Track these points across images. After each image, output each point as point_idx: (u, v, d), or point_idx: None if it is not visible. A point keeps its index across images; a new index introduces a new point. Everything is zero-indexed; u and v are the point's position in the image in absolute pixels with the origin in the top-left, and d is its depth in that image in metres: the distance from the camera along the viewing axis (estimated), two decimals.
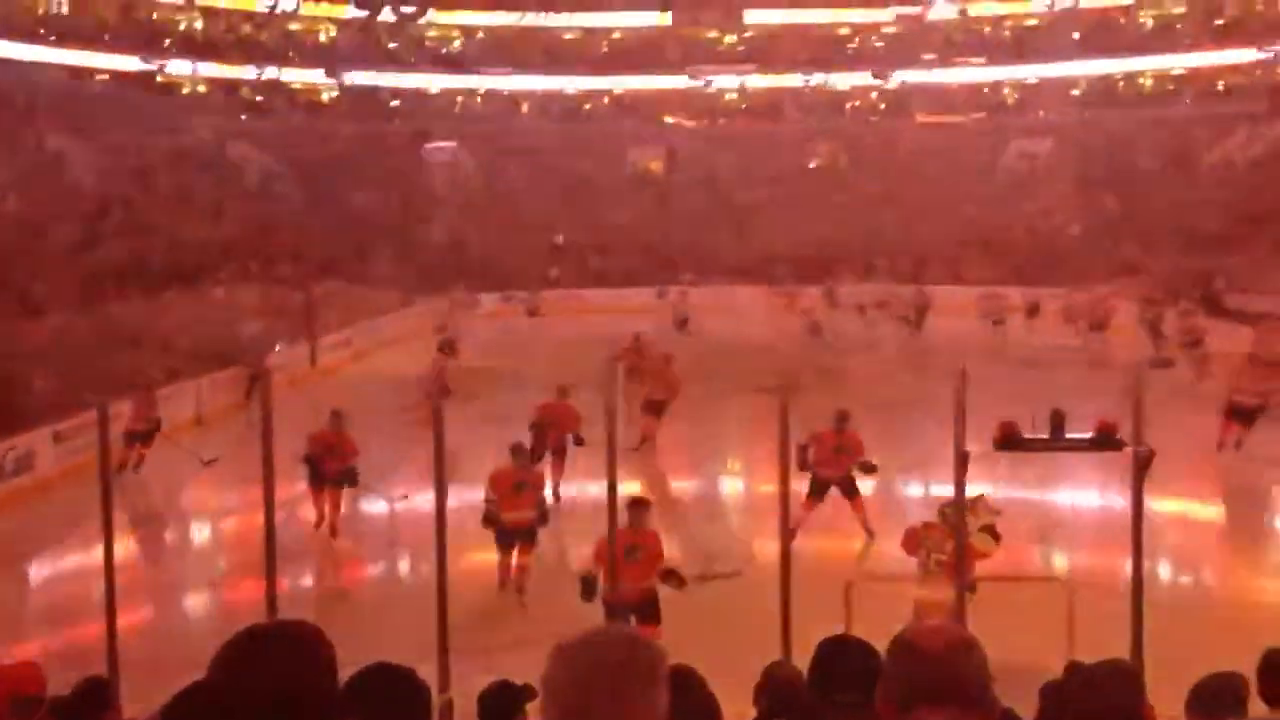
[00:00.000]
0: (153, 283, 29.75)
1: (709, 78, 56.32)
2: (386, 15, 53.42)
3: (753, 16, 56.56)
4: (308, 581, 13.90)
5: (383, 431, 17.74)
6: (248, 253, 36.25)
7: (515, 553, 12.39)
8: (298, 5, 52.59)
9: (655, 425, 19.33)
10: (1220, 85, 51.03)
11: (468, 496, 12.66)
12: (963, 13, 54.27)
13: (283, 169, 47.33)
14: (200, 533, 17.27)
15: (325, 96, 55.06)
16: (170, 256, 32.74)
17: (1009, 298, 35.75)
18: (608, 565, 8.40)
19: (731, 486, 19.31)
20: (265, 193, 45.65)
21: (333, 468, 14.53)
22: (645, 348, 23.20)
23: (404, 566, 14.58)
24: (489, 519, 12.35)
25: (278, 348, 27.26)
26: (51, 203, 32.62)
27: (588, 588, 9.82)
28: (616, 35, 57.35)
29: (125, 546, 13.14)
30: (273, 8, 52.26)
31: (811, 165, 53.38)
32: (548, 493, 14.22)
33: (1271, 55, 49.06)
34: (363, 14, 53.84)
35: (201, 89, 52.46)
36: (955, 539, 8.59)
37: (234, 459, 16.01)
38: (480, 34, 56.87)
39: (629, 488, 11.70)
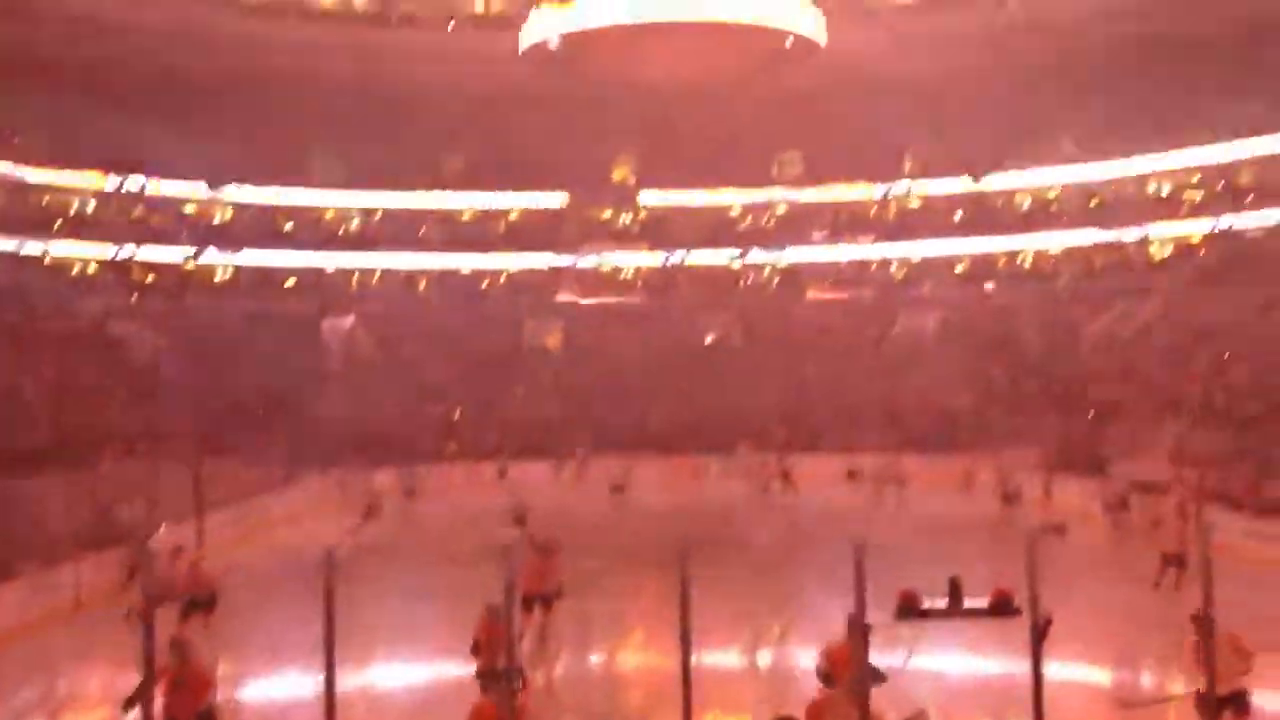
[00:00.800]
0: (34, 464, 28.92)
1: (604, 256, 57.22)
2: None
3: (647, 197, 57.79)
4: None
5: (268, 612, 17.22)
6: (135, 433, 35.51)
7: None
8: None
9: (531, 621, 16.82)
10: (1097, 262, 53.03)
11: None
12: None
13: (174, 348, 46.80)
14: None
15: (219, 277, 54.94)
16: (54, 437, 31.98)
17: (901, 466, 36.19)
18: None
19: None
20: (154, 372, 45.01)
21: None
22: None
23: None
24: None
25: (162, 529, 26.44)
26: None
27: None
28: (513, 216, 58.18)
29: None
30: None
31: (707, 340, 54.09)
32: None
33: (1142, 236, 51.42)
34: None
35: (92, 270, 52.01)
36: (859, 710, 8.45)
37: (111, 645, 15.28)
38: (379, 214, 57.33)
39: None
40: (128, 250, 52.20)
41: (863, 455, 38.74)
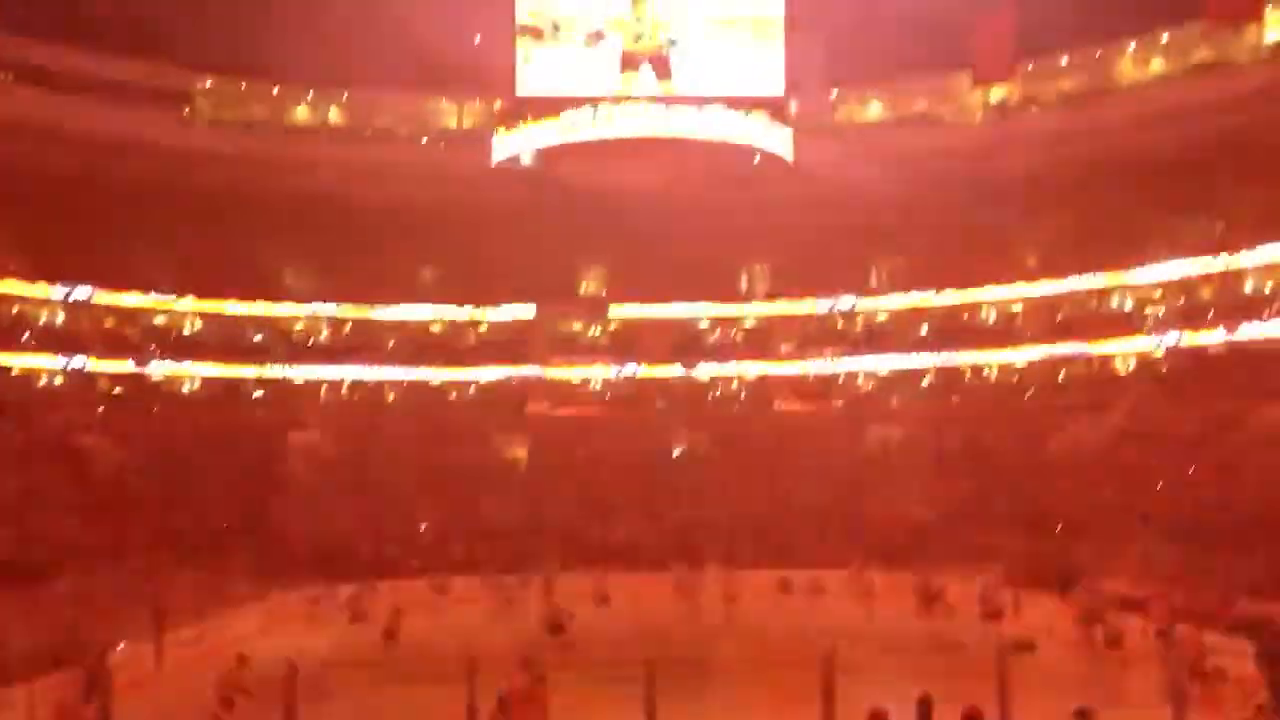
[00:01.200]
0: None
1: (573, 368, 57.41)
2: None
3: (616, 310, 58.15)
4: None
5: None
6: (96, 547, 35.06)
7: None
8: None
9: None
10: (1060, 376, 53.50)
11: None
12: None
13: (137, 460, 46.42)
14: None
15: (186, 388, 54.75)
16: (12, 551, 31.56)
17: (869, 580, 36.04)
18: None
19: None
20: (117, 484, 44.58)
21: None
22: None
23: None
24: None
25: (120, 646, 25.93)
26: None
27: None
28: (483, 328, 58.36)
29: None
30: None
31: (675, 454, 54.09)
32: None
33: (1105, 352, 52.03)
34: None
35: (59, 381, 51.71)
36: None
37: None
38: (348, 325, 57.42)
39: None
40: (95, 361, 51.97)
41: (828, 568, 38.55)
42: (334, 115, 58.56)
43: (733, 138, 43.38)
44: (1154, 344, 51.33)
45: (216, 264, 53.00)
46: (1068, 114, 52.97)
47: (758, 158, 42.98)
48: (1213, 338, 49.51)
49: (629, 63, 36.07)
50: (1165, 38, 52.10)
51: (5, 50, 49.05)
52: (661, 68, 36.03)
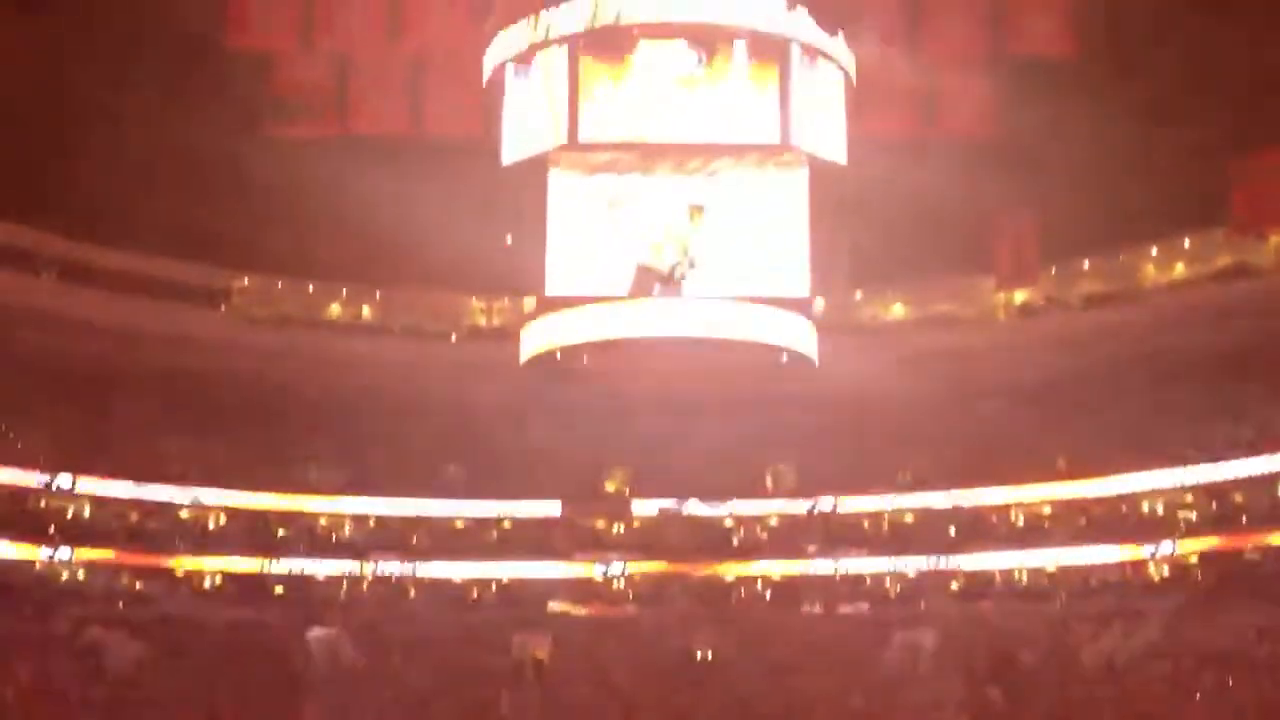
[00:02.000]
0: None
1: (596, 566, 56.90)
2: None
3: (641, 508, 57.86)
4: None
5: None
6: None
7: None
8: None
9: None
10: (1092, 581, 52.61)
11: None
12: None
13: (154, 656, 45.93)
14: None
15: (208, 582, 54.46)
16: None
17: None
18: None
19: None
20: (133, 681, 44.07)
21: None
22: None
23: None
24: None
25: None
26: None
27: None
28: (506, 525, 58.11)
29: None
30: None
31: (698, 656, 53.07)
32: None
33: (1136, 555, 51.25)
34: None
35: (81, 575, 51.58)
36: None
37: None
38: (371, 521, 57.29)
39: None
40: (116, 555, 51.91)
41: None
42: (366, 312, 59.52)
43: (759, 336, 43.58)
44: (1187, 549, 50.60)
45: (243, 457, 53.30)
46: (1092, 316, 53.34)
47: (785, 357, 43.09)
48: (1247, 543, 48.84)
49: (642, 285, 36.76)
50: (1187, 243, 52.71)
51: (45, 247, 50.42)
52: (673, 288, 36.53)
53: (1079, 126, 41.52)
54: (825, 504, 56.98)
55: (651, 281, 36.82)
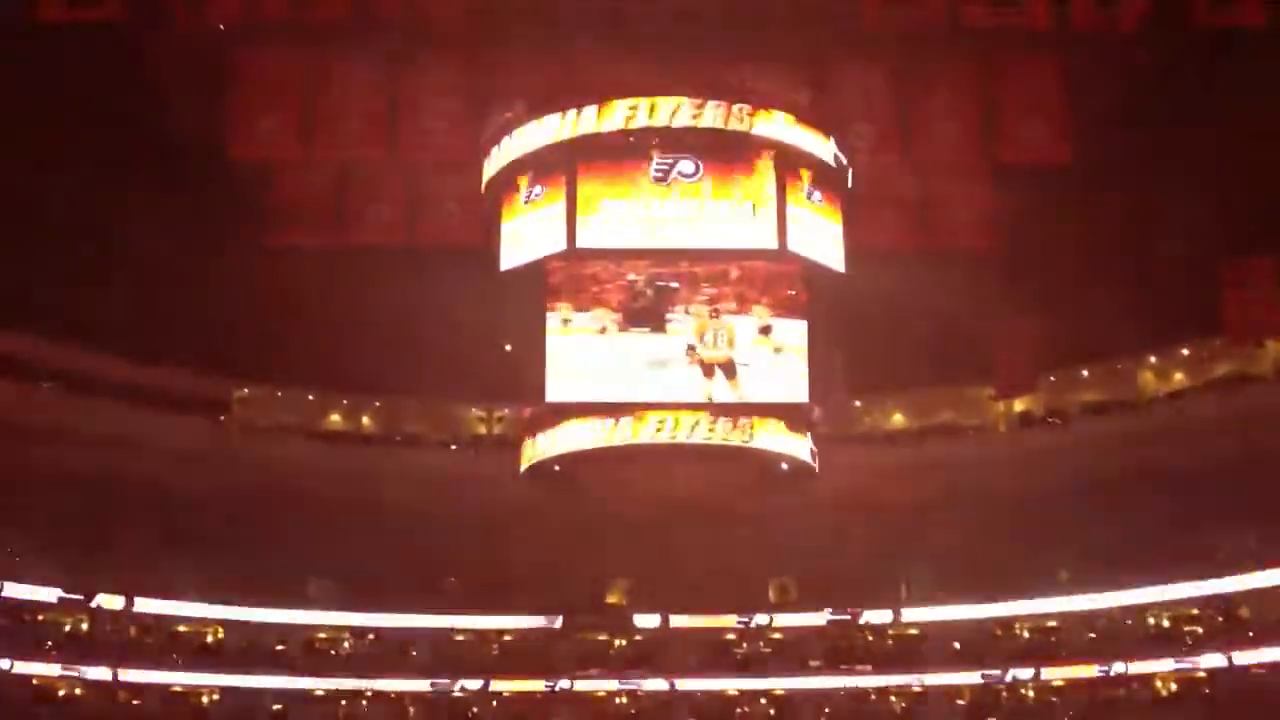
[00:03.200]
0: None
1: (597, 680, 56.11)
2: None
3: (643, 621, 57.22)
4: None
5: None
6: None
7: None
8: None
9: None
10: (1101, 697, 51.77)
11: None
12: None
13: None
14: None
15: (205, 700, 53.69)
16: None
17: None
18: None
19: None
20: None
21: None
22: None
23: None
24: None
25: None
26: None
27: None
28: (507, 638, 57.44)
29: None
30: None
31: None
32: None
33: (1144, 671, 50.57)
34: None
35: (79, 691, 50.90)
36: None
37: None
38: (370, 635, 56.65)
39: None
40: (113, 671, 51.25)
41: None
42: (366, 422, 59.62)
43: (760, 447, 43.56)
44: (1195, 664, 49.91)
45: (242, 570, 52.89)
46: (1091, 426, 53.36)
47: (785, 465, 43.03)
48: (1254, 658, 48.15)
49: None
50: (1186, 352, 52.89)
51: (39, 355, 50.58)
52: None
53: (1078, 235, 41.94)
54: (827, 616, 56.34)
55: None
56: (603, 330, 37.31)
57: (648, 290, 37.49)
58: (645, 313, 37.50)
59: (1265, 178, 38.68)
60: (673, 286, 37.60)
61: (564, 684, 56.08)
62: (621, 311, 37.76)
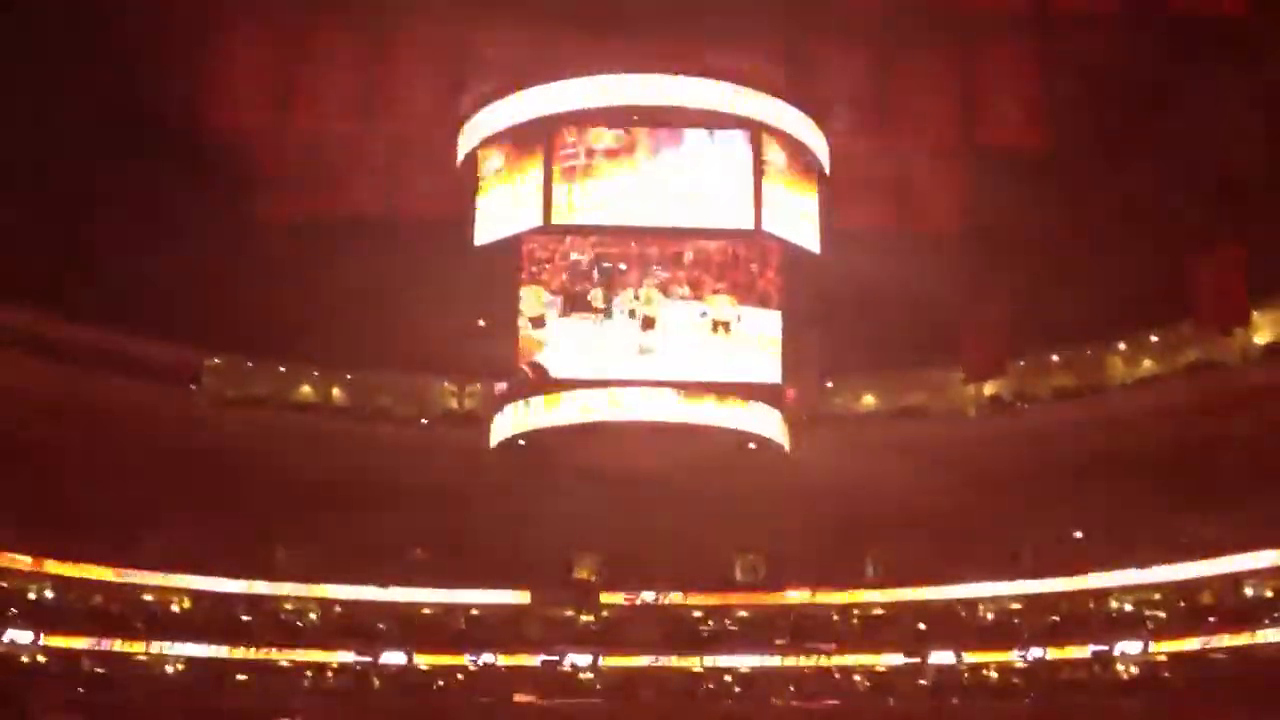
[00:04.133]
0: None
1: (564, 656, 56.22)
2: None
3: (608, 598, 57.34)
4: None
5: None
6: None
7: None
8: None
9: None
10: (1062, 678, 52.28)
11: None
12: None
13: None
14: None
15: (169, 669, 53.56)
16: None
17: None
18: None
19: None
20: None
21: None
22: None
23: None
24: None
25: None
26: None
27: None
28: (474, 612, 57.46)
29: None
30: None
31: None
32: None
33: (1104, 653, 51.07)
34: None
35: (41, 659, 50.67)
36: None
37: None
38: (337, 607, 56.53)
39: None
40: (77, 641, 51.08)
41: None
42: (337, 394, 59.37)
43: (728, 424, 43.69)
44: (1155, 649, 50.42)
45: (208, 540, 52.67)
46: (1060, 410, 53.69)
47: (752, 445, 43.18)
48: (1215, 643, 48.66)
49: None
50: (1155, 338, 53.22)
51: (14, 323, 50.12)
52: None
53: (1049, 220, 42.06)
54: (794, 595, 56.63)
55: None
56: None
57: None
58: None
59: (1235, 164, 38.83)
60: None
61: (528, 659, 56.22)
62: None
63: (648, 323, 37.42)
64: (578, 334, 37.94)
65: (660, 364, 38.00)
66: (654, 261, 37.54)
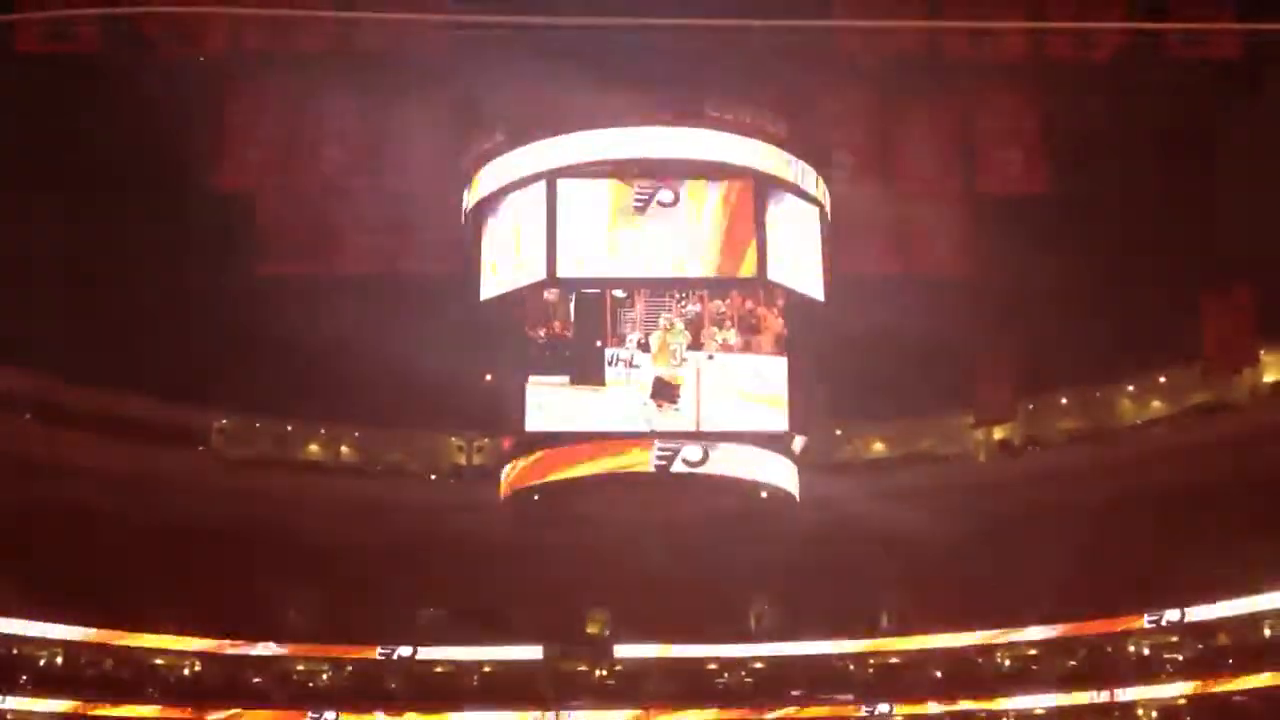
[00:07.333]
0: None
1: (579, 710, 55.67)
2: None
3: (623, 651, 56.89)
4: None
5: None
6: None
7: None
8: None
9: None
10: None
11: None
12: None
13: None
14: None
15: None
16: None
17: None
18: None
19: None
20: None
21: None
22: None
23: None
24: None
25: None
26: None
27: None
28: (487, 669, 57.05)
29: None
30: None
31: None
32: None
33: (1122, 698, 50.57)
34: None
35: None
36: None
37: None
38: (348, 667, 56.18)
39: None
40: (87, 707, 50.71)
41: None
42: (346, 452, 59.31)
43: (741, 474, 43.39)
44: (1175, 691, 49.90)
45: (220, 603, 52.45)
46: (1071, 452, 53.49)
47: (764, 494, 42.87)
48: (1234, 685, 48.17)
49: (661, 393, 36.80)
50: (1163, 379, 53.09)
51: (20, 387, 50.16)
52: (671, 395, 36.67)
53: (1056, 263, 42.07)
54: (809, 645, 56.12)
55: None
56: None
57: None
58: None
59: (1244, 207, 38.87)
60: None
61: (543, 715, 55.70)
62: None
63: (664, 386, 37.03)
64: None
65: (673, 416, 37.63)
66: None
